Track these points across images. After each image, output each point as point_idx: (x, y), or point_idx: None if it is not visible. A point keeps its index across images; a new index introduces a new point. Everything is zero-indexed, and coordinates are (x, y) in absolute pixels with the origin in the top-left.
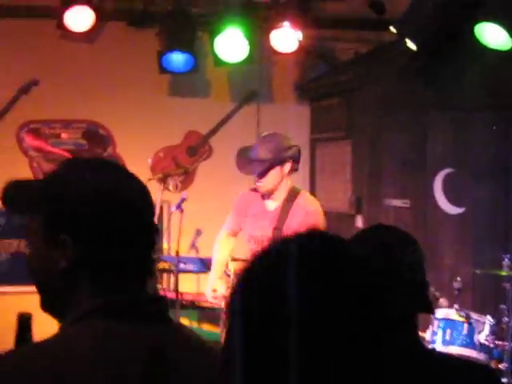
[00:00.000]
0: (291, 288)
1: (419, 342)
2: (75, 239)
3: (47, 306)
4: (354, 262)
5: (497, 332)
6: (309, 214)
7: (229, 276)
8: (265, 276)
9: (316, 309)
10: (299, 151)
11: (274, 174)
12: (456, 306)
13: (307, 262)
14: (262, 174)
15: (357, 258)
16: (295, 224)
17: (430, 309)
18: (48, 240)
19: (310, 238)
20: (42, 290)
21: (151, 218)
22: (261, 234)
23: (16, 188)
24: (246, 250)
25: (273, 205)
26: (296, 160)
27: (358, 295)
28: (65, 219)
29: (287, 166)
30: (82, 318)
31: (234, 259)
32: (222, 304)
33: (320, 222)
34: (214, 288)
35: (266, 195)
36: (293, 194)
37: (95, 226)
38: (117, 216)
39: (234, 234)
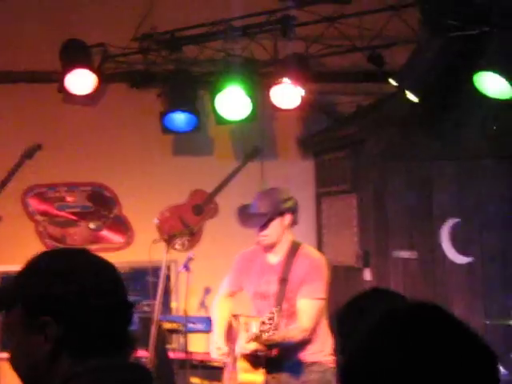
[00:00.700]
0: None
1: None
2: (55, 319)
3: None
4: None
5: (509, 382)
6: (314, 261)
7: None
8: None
9: None
10: (296, 203)
11: (275, 226)
12: None
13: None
14: (264, 227)
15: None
16: (301, 273)
17: None
18: (29, 327)
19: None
20: (26, 377)
21: (124, 296)
22: (266, 288)
23: None
24: (250, 307)
25: (275, 259)
26: (294, 212)
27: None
28: (42, 302)
29: (287, 218)
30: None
31: (234, 315)
32: (227, 360)
33: (325, 270)
34: (218, 346)
35: (268, 249)
36: (295, 247)
37: (71, 304)
38: (90, 294)
39: (232, 295)
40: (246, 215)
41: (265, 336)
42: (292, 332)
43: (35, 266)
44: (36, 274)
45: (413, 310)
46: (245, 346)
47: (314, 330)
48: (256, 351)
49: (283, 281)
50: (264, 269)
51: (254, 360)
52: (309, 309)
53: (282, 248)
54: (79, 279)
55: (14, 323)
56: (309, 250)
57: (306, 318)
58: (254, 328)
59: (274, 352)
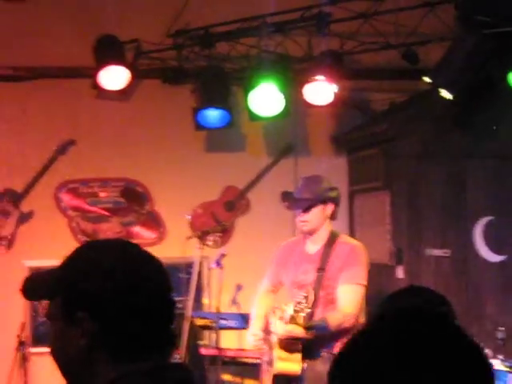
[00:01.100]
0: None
1: None
2: (91, 315)
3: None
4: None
5: None
6: (353, 248)
7: (270, 332)
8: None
9: None
10: (340, 195)
11: (316, 212)
12: (501, 356)
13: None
14: (306, 211)
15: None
16: (340, 260)
17: None
18: (67, 319)
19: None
20: (65, 370)
21: (167, 292)
22: (303, 277)
23: (33, 280)
24: (289, 298)
25: (314, 248)
26: (337, 203)
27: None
28: (79, 296)
29: (329, 208)
30: None
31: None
32: (264, 347)
33: (365, 257)
34: (254, 333)
35: (307, 237)
36: (334, 237)
37: (107, 301)
38: (128, 292)
39: (275, 290)
40: (289, 199)
41: (301, 316)
42: (333, 316)
43: (78, 258)
44: (76, 267)
45: (402, 317)
46: (281, 328)
47: (356, 318)
48: (292, 333)
49: (321, 269)
50: (302, 258)
51: (291, 346)
52: (350, 294)
53: (320, 237)
54: (118, 276)
55: (54, 314)
56: (347, 239)
57: (348, 303)
58: (290, 309)
59: (310, 335)
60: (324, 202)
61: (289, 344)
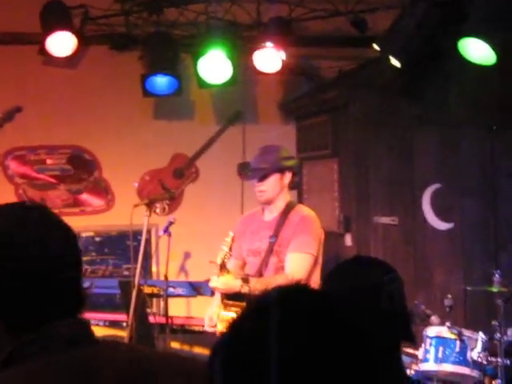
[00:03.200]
0: (273, 349)
1: (403, 373)
2: None
3: None
4: (335, 316)
5: (489, 348)
6: (304, 217)
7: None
8: (246, 340)
9: (298, 367)
10: (299, 164)
11: (273, 181)
12: (448, 323)
13: (286, 317)
14: (262, 179)
15: (336, 310)
16: (291, 231)
17: (411, 339)
18: None
19: (287, 297)
20: None
21: (66, 258)
22: (259, 244)
23: None
24: (246, 267)
25: (270, 216)
26: (295, 172)
27: (341, 346)
28: None
29: (287, 177)
30: (6, 363)
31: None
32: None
33: (315, 227)
34: (210, 316)
35: (265, 206)
36: (290, 206)
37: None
38: (21, 260)
39: (243, 265)
40: (245, 170)
41: (227, 261)
42: (274, 278)
43: None
44: None
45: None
46: (216, 281)
47: None
48: (228, 285)
49: (273, 237)
50: (259, 227)
51: (234, 297)
52: (297, 261)
53: (277, 206)
54: (5, 242)
55: None
56: (302, 208)
57: (294, 269)
58: (218, 259)
59: (247, 290)
60: (281, 171)
61: (231, 305)
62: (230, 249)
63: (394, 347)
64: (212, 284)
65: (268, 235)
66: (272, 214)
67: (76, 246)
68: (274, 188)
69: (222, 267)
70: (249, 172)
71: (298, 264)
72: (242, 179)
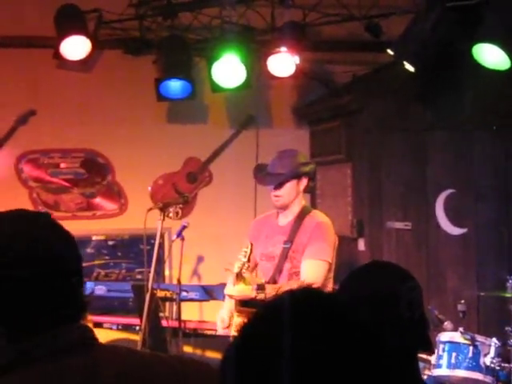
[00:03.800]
0: (286, 353)
1: (420, 381)
2: None
3: None
4: (346, 322)
5: (502, 354)
6: (319, 224)
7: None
8: (261, 342)
9: (313, 369)
10: (315, 169)
11: (289, 187)
12: (461, 328)
13: (300, 324)
14: (279, 186)
15: (349, 316)
16: (305, 237)
17: (429, 347)
18: None
19: (300, 303)
20: None
21: (67, 264)
22: (272, 249)
23: None
24: (259, 272)
25: (285, 220)
26: (311, 178)
27: (353, 351)
28: None
29: (303, 182)
30: (6, 370)
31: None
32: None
33: (330, 234)
34: (222, 318)
35: (280, 211)
36: (305, 211)
37: (3, 278)
38: (21, 266)
39: (255, 265)
40: (262, 174)
41: (245, 271)
42: (289, 283)
43: None
44: None
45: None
46: (231, 289)
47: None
48: (243, 294)
49: (288, 242)
50: (273, 231)
51: (248, 313)
52: (313, 268)
53: (292, 211)
54: (11, 249)
55: None
56: (318, 214)
57: (309, 275)
58: (235, 268)
59: (263, 296)
60: (298, 177)
61: (246, 312)
62: (249, 259)
63: (412, 354)
64: (227, 292)
65: (282, 240)
66: (287, 218)
67: (78, 252)
68: (290, 194)
69: (239, 276)
70: (265, 175)
71: (314, 271)
72: (258, 182)
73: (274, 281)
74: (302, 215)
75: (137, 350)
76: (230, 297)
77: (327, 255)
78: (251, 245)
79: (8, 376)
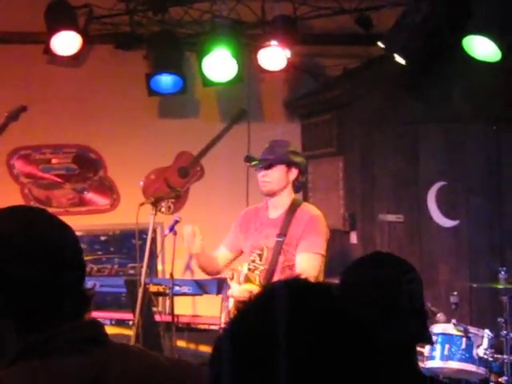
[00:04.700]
0: (282, 342)
1: (419, 372)
2: None
3: None
4: (340, 314)
5: (495, 345)
6: (313, 217)
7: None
8: (254, 331)
9: (308, 361)
10: (305, 164)
11: (277, 172)
12: (454, 320)
13: (296, 315)
14: (267, 168)
15: (342, 307)
16: (299, 230)
17: (429, 340)
18: None
19: (295, 290)
20: None
21: (72, 259)
22: (264, 241)
23: None
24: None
25: (276, 213)
26: (302, 171)
27: (350, 342)
28: None
29: (293, 172)
30: (14, 361)
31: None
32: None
33: (323, 227)
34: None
35: (270, 200)
36: (296, 204)
37: (11, 270)
38: (29, 259)
39: (232, 250)
40: (251, 159)
41: (256, 274)
42: None
43: None
44: None
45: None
46: (238, 289)
47: None
48: (250, 292)
49: (281, 235)
50: (264, 223)
51: None
52: (308, 261)
53: (282, 203)
54: (17, 244)
55: None
56: (309, 207)
57: (304, 268)
58: (245, 269)
59: None
60: (287, 164)
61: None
62: (264, 264)
63: (411, 346)
64: (233, 293)
65: (274, 233)
66: (277, 211)
67: (79, 247)
68: (279, 180)
69: (247, 278)
70: (255, 161)
71: (309, 264)
72: (248, 166)
73: (268, 274)
74: (293, 208)
75: (147, 352)
76: (236, 298)
77: (321, 248)
78: (266, 248)
79: (17, 368)
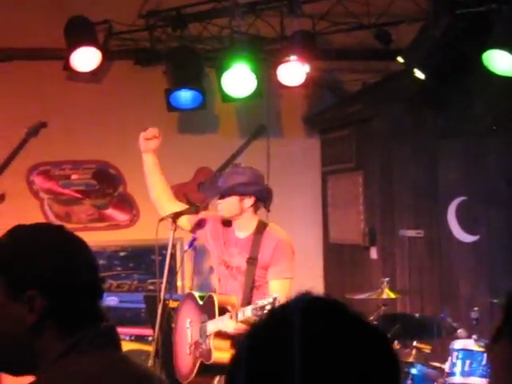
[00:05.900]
0: (296, 358)
1: None
2: (41, 292)
3: (6, 364)
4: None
5: None
6: (279, 242)
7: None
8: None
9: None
10: (268, 192)
11: (229, 203)
12: (474, 336)
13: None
14: (220, 198)
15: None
16: (268, 255)
17: None
18: (12, 298)
19: (310, 313)
20: (4, 353)
21: (96, 269)
22: (229, 259)
23: None
24: (216, 272)
25: (242, 234)
26: (262, 199)
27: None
28: (27, 275)
29: (248, 201)
30: (65, 355)
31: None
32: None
33: (290, 250)
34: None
35: (234, 223)
36: (261, 226)
37: (58, 278)
38: (73, 269)
39: (190, 224)
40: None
41: (256, 319)
42: None
43: (14, 239)
44: (15, 247)
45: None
46: (232, 326)
47: None
48: (240, 330)
49: (252, 260)
50: (230, 241)
51: (233, 340)
52: (279, 287)
53: (245, 226)
54: (57, 254)
55: None
56: (275, 229)
57: (281, 295)
58: (248, 312)
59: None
60: (241, 195)
61: (232, 338)
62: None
63: None
64: (226, 328)
65: (239, 253)
66: (242, 232)
67: (96, 263)
68: (231, 210)
69: (247, 321)
70: (212, 183)
71: (280, 290)
72: (200, 189)
73: (248, 296)
74: (259, 230)
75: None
76: (227, 332)
77: (290, 272)
78: (274, 299)
79: (60, 365)
